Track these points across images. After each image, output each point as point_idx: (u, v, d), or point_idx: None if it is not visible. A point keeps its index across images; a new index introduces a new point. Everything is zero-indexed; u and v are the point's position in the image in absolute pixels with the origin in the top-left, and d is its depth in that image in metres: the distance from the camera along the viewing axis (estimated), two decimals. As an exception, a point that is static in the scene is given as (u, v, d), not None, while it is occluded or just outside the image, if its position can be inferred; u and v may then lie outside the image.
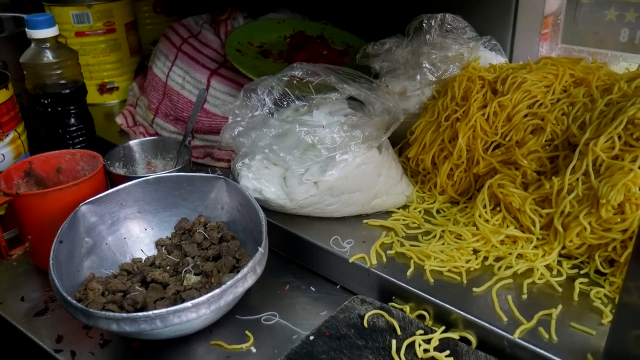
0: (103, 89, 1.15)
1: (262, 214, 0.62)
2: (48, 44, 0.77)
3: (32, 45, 0.78)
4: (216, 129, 0.89)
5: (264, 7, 1.11)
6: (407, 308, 0.59)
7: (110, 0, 1.11)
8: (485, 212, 0.65)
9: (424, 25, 0.76)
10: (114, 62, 1.14)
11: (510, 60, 0.90)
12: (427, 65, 0.74)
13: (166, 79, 0.95)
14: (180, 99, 0.93)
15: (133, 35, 1.16)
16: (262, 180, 0.68)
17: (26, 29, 0.77)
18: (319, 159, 0.65)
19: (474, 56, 0.78)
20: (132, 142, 0.81)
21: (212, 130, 0.90)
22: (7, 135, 0.78)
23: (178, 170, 0.73)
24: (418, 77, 0.75)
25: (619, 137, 0.60)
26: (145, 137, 0.95)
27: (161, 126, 0.95)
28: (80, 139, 0.83)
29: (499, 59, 0.84)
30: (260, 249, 0.57)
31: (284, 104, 0.74)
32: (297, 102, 0.73)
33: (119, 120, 1.02)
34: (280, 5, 1.12)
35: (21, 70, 0.82)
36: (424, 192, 0.75)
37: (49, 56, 0.78)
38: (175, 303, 0.56)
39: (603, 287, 0.57)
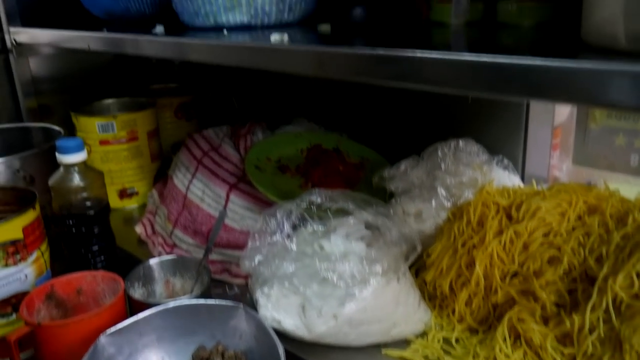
0: (123, 194, 1.18)
1: (281, 349, 0.62)
2: (77, 168, 0.81)
3: (61, 169, 0.81)
4: (234, 244, 0.91)
5: (282, 116, 1.16)
6: None
7: (134, 111, 1.17)
8: (506, 347, 0.65)
9: (439, 153, 0.79)
10: (135, 168, 1.17)
11: (523, 177, 0.92)
12: (442, 192, 0.76)
13: (186, 192, 0.98)
14: (199, 212, 0.95)
15: (155, 142, 1.20)
16: (281, 310, 0.68)
17: (56, 153, 0.80)
18: (337, 292, 0.65)
19: (488, 179, 0.80)
20: (152, 262, 0.82)
21: (230, 245, 0.91)
22: (31, 255, 0.80)
23: (198, 296, 0.74)
24: (433, 202, 0.76)
25: (638, 275, 0.60)
26: (163, 247, 0.97)
27: (180, 238, 0.97)
28: (102, 257, 0.84)
29: (512, 178, 0.86)
30: (280, 393, 0.56)
31: (302, 227, 0.75)
32: (315, 227, 0.75)
33: (139, 229, 1.04)
34: (297, 115, 1.16)
35: (47, 183, 0.85)
36: (442, 318, 0.74)
37: (77, 180, 0.81)
38: None
39: None
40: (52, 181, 0.81)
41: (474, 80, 0.47)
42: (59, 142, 0.79)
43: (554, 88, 0.42)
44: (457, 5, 0.72)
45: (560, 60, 0.41)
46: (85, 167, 0.82)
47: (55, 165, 0.84)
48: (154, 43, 0.78)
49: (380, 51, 0.52)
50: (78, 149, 0.80)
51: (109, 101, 1.25)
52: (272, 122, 1.12)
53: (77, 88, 1.31)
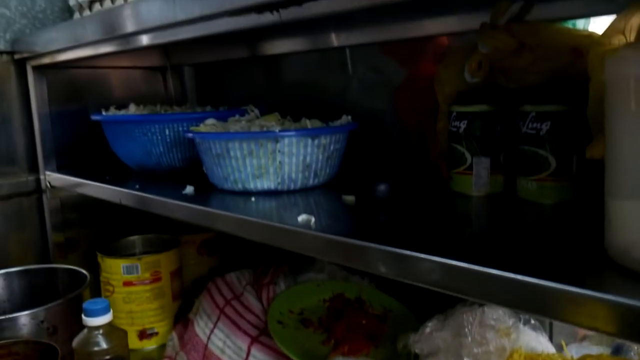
0: (143, 334, 1.17)
1: None
2: (101, 330, 0.81)
3: (85, 330, 0.82)
4: (255, 404, 0.88)
5: (304, 257, 1.16)
6: None
7: (159, 250, 1.19)
8: None
9: (464, 321, 0.78)
10: (156, 308, 1.17)
11: (551, 337, 0.89)
12: (469, 363, 0.74)
13: (207, 341, 0.97)
14: (219, 366, 0.93)
15: (177, 281, 1.21)
16: None
17: (82, 315, 0.81)
18: None
19: (516, 346, 0.78)
20: None
21: (251, 405, 0.89)
22: (48, 420, 0.78)
23: None
24: (461, 376, 0.74)
25: None
26: (182, 402, 0.94)
27: (199, 393, 0.94)
28: (119, 421, 0.82)
29: (540, 340, 0.84)
30: None
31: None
32: (339, 398, 0.73)
33: (157, 379, 1.02)
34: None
35: (71, 332, 0.85)
36: None
37: (101, 342, 0.81)
38: None
39: None
40: (75, 343, 0.81)
41: (496, 293, 0.47)
42: (86, 305, 0.81)
43: (578, 314, 0.42)
44: (477, 179, 0.74)
45: (588, 290, 0.42)
46: (110, 328, 0.82)
47: (79, 314, 0.85)
48: (184, 208, 0.81)
49: (407, 252, 0.54)
50: (104, 311, 0.80)
51: (134, 238, 1.28)
52: (294, 263, 1.13)
53: (104, 221, 1.34)
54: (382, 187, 0.72)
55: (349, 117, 0.89)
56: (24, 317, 0.92)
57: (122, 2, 0.90)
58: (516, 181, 0.73)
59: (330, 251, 0.61)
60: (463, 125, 0.74)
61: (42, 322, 0.95)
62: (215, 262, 1.34)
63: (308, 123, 0.88)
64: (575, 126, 0.66)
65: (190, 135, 0.83)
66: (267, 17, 0.58)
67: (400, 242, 0.55)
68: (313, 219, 0.65)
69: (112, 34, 0.79)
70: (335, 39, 0.91)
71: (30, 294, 1.15)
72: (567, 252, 0.52)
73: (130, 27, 0.75)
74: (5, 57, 1.14)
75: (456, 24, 0.76)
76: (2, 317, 0.90)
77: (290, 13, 0.55)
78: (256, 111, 0.97)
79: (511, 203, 0.71)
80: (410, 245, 0.54)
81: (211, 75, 1.36)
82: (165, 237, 1.27)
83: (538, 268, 0.46)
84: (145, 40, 0.80)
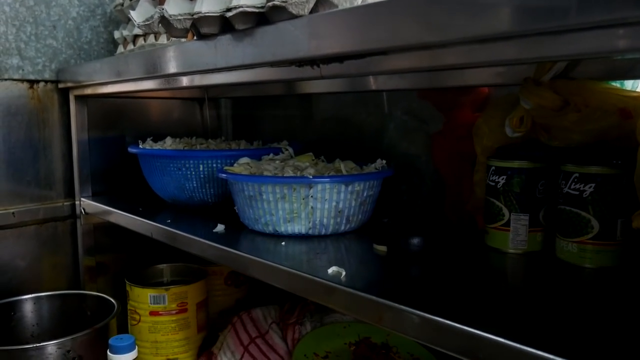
0: (167, 366, 1.16)
1: None
2: (126, 367, 0.81)
3: (111, 366, 0.82)
4: None
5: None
6: None
7: (186, 280, 1.18)
8: None
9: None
10: (181, 339, 1.17)
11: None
12: None
13: (230, 381, 0.96)
14: (241, 408, 0.92)
15: (203, 312, 1.20)
16: None
17: (108, 352, 0.81)
18: None
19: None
20: None
21: None
22: None
23: None
24: None
25: None
26: None
27: None
28: None
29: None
30: None
31: None
32: None
33: (178, 415, 1.01)
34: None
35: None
36: None
37: (125, 380, 0.80)
38: None
39: None
40: (100, 380, 0.81)
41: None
42: (112, 341, 0.80)
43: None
44: (515, 236, 0.72)
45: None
46: (134, 365, 0.82)
47: (105, 344, 0.85)
48: (214, 249, 0.80)
49: (439, 319, 0.52)
50: (129, 348, 0.80)
51: (162, 267, 1.28)
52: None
53: (134, 246, 1.35)
54: (415, 241, 0.71)
55: (384, 162, 0.88)
56: (50, 347, 0.93)
57: (164, 40, 0.92)
58: (555, 240, 0.70)
59: (360, 309, 0.59)
60: (502, 180, 0.72)
61: (68, 351, 0.96)
62: (242, 293, 1.33)
63: (342, 166, 0.87)
64: (621, 190, 0.63)
65: (223, 175, 0.83)
66: (307, 71, 0.58)
67: (433, 304, 0.54)
68: (344, 273, 0.64)
69: (153, 73, 0.80)
70: (373, 83, 0.90)
71: (59, 319, 1.16)
72: (610, 335, 0.49)
73: (171, 68, 0.76)
74: (49, 86, 1.17)
75: (497, 77, 0.75)
76: (29, 346, 0.91)
77: (331, 69, 0.55)
78: (290, 150, 0.97)
79: (549, 264, 0.68)
80: (443, 308, 0.53)
81: (247, 108, 1.37)
82: (194, 267, 1.27)
83: (577, 351, 0.44)
84: (185, 81, 0.81)
